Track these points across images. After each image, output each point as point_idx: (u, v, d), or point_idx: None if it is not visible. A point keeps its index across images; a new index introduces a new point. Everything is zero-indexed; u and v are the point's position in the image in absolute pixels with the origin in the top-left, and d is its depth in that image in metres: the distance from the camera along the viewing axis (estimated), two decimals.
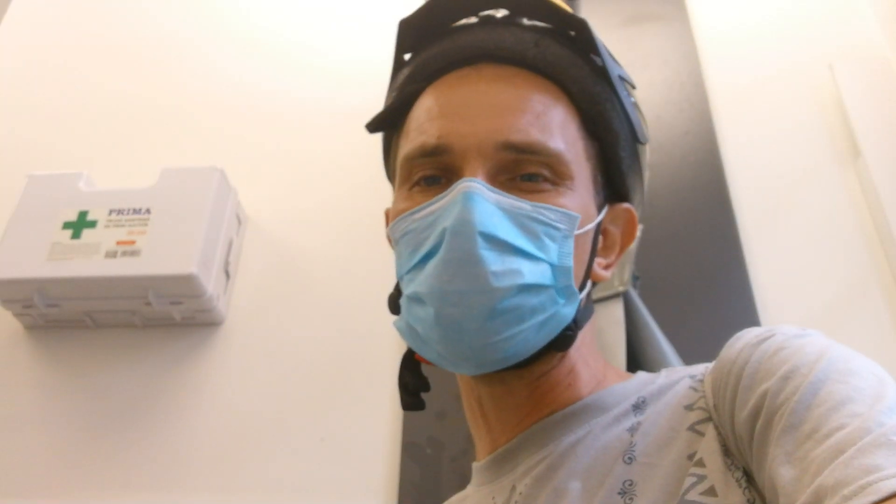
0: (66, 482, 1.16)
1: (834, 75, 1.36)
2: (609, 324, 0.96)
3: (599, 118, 0.62)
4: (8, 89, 1.60)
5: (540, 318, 0.56)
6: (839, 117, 1.35)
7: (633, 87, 0.67)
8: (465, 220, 0.54)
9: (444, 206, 0.56)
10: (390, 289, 0.66)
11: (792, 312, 1.17)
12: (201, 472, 1.15)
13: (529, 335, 0.57)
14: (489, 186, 0.56)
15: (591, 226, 0.61)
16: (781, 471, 0.45)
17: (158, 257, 1.19)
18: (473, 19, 0.64)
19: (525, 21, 0.63)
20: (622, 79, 0.64)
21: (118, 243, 1.20)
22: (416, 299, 0.57)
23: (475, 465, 0.67)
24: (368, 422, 1.16)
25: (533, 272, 0.55)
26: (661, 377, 0.62)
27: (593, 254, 0.62)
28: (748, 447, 0.50)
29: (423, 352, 0.60)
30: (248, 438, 1.17)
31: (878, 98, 1.33)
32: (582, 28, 0.61)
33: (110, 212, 1.24)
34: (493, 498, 0.62)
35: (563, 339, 0.59)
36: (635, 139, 0.64)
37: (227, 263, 1.28)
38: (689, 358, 0.85)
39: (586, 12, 1.10)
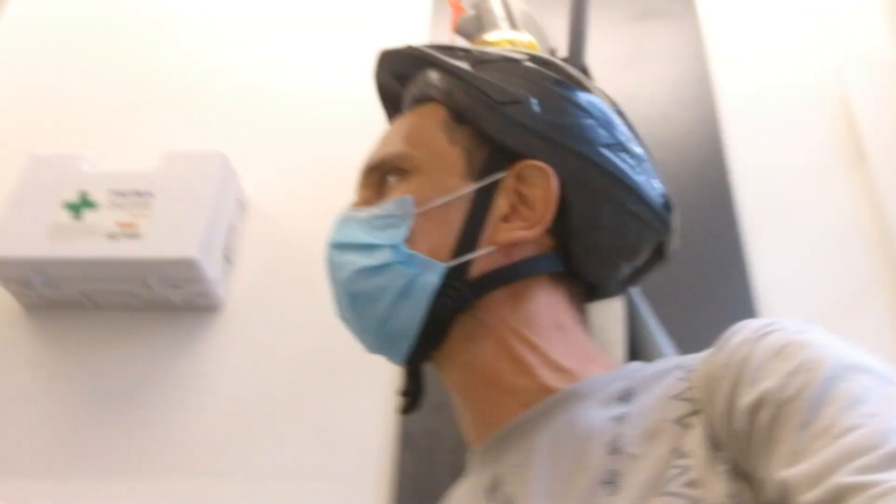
0: (62, 463, 1.15)
1: (841, 78, 1.36)
2: (609, 320, 0.96)
3: (455, 106, 0.69)
4: (11, 68, 1.60)
5: (393, 292, 0.64)
6: (845, 120, 1.34)
7: (484, 61, 0.71)
8: (329, 238, 0.71)
9: None
10: None
11: (793, 314, 1.16)
12: (197, 456, 1.15)
13: (394, 310, 0.64)
14: (353, 208, 0.71)
15: (449, 197, 0.65)
16: (789, 466, 0.45)
17: (159, 240, 1.18)
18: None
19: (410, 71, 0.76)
20: (465, 53, 0.72)
21: (119, 225, 1.20)
22: None
23: (468, 455, 0.68)
24: (366, 411, 1.16)
25: (370, 257, 0.65)
26: (652, 366, 0.62)
27: (476, 220, 0.65)
28: (745, 442, 0.49)
29: None
30: (244, 424, 1.17)
31: (884, 102, 1.32)
32: (419, 52, 0.73)
33: (112, 193, 1.23)
34: (476, 489, 0.62)
35: (442, 306, 0.64)
36: (494, 102, 0.67)
37: (228, 249, 1.28)
38: None
39: (594, 8, 1.09)
